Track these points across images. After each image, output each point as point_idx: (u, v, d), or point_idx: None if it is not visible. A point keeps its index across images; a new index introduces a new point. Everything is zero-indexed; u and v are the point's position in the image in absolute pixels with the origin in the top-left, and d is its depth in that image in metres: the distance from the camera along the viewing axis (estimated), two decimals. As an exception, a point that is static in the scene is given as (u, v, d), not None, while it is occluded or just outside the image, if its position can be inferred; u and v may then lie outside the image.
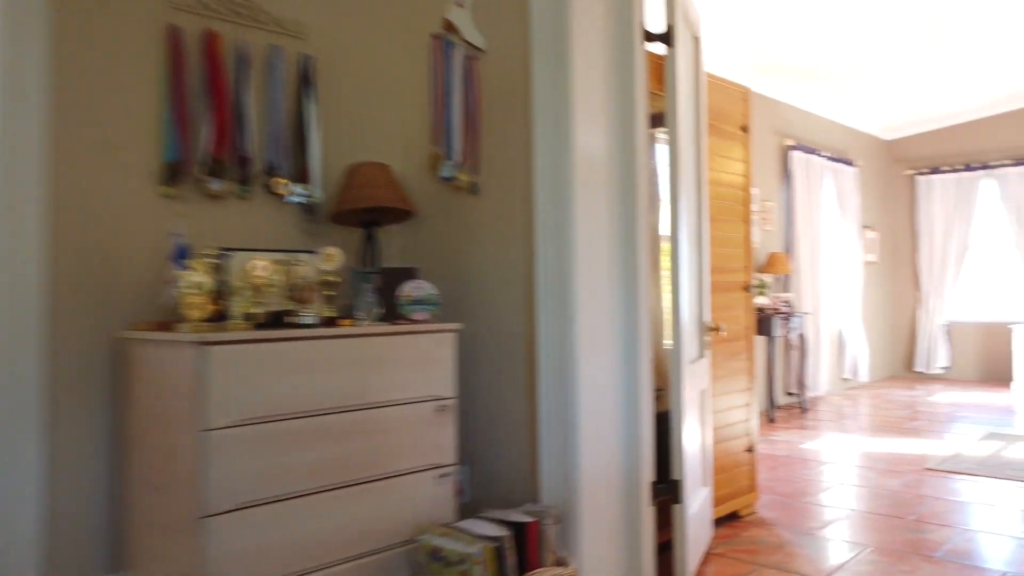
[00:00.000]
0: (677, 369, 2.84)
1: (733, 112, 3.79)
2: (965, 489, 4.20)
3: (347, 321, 2.52)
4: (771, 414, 6.44)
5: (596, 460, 2.66)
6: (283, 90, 2.95)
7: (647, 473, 2.81)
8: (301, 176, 2.96)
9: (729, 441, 3.69)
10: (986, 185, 8.75)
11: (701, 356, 3.23)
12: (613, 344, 2.76)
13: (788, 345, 7.32)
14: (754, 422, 3.91)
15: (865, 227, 8.81)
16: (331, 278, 2.61)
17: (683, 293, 2.91)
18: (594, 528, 2.64)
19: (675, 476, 2.85)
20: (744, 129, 3.86)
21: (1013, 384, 8.08)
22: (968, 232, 8.74)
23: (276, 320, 2.48)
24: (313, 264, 2.61)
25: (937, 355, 8.93)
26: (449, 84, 3.03)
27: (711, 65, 6.02)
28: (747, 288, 3.91)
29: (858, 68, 6.99)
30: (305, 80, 3.02)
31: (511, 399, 2.84)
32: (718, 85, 3.70)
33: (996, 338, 8.69)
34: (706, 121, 3.45)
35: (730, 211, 3.79)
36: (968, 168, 8.72)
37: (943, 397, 7.62)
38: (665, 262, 3.20)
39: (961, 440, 5.51)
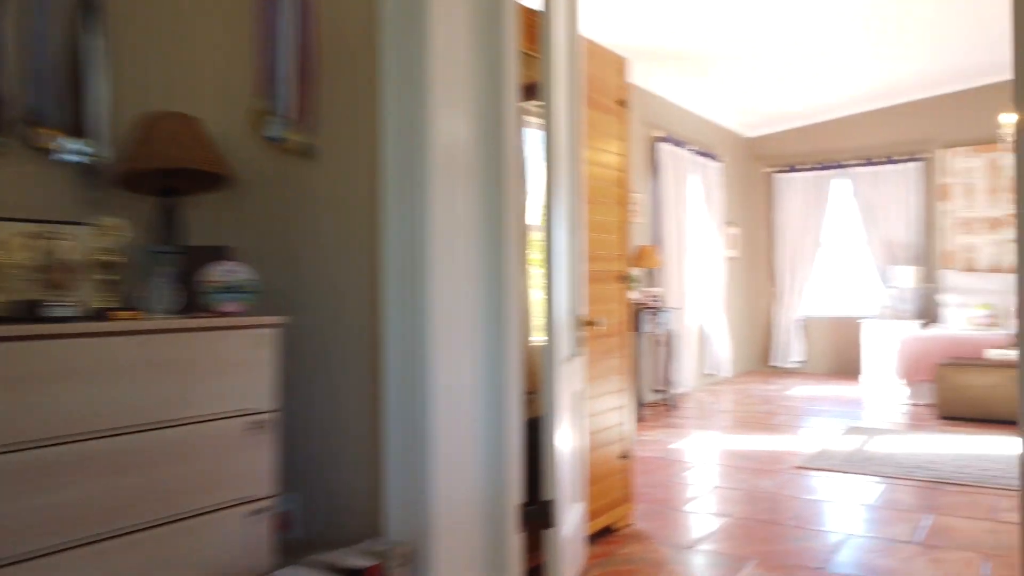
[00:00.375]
0: (550, 369, 2.41)
1: (610, 83, 3.42)
2: (838, 487, 4.07)
3: (129, 313, 1.91)
4: (640, 413, 6.22)
5: (454, 482, 2.19)
6: (51, 16, 2.27)
7: (515, 495, 2.37)
8: (76, 128, 2.30)
9: (603, 448, 3.32)
10: (839, 184, 9.03)
11: (576, 354, 2.83)
12: (475, 341, 2.29)
13: (656, 341, 7.17)
14: (629, 426, 3.57)
15: (728, 223, 8.86)
16: (109, 257, 2.00)
17: (557, 284, 2.49)
18: (452, 565, 2.17)
19: (547, 496, 2.43)
20: (622, 103, 3.50)
21: (861, 377, 8.35)
22: (821, 230, 8.98)
23: (27, 311, 1.84)
24: (84, 239, 1.99)
25: (792, 349, 9.13)
26: (277, 22, 2.46)
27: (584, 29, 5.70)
28: (623, 279, 3.57)
29: (724, 62, 6.92)
30: (87, 5, 2.35)
31: (350, 410, 2.32)
32: (595, 51, 3.32)
33: (846, 333, 8.98)
34: (582, 91, 3.05)
35: (606, 193, 3.42)
36: (822, 167, 8.96)
37: (800, 391, 7.73)
38: (536, 249, 2.78)
39: (824, 435, 5.47)
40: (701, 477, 4.37)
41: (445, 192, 2.18)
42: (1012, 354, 5.83)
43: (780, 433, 5.61)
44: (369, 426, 2.27)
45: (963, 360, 6.04)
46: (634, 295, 6.34)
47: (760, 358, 9.49)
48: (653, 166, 7.29)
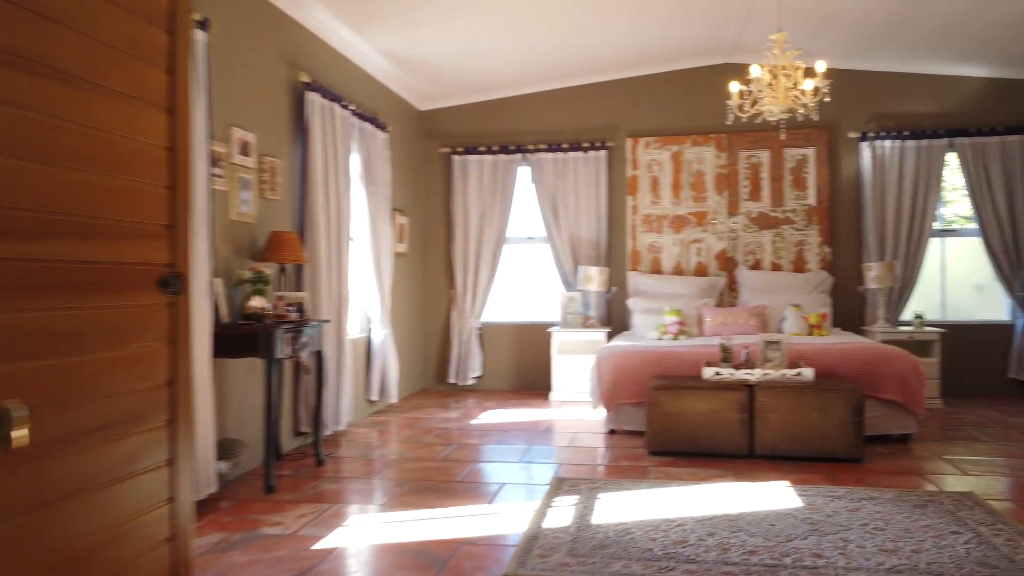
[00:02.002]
0: None
1: None
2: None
3: None
4: (270, 480, 4.19)
5: None
6: None
7: None
8: None
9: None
10: (524, 171, 7.86)
11: None
12: None
13: (300, 367, 5.18)
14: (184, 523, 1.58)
15: (396, 210, 7.18)
16: None
17: None
18: None
19: None
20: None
21: (552, 395, 7.21)
22: (505, 222, 7.72)
23: None
24: None
25: (471, 363, 7.75)
26: None
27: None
28: (168, 284, 1.56)
29: (396, 9, 5.20)
30: None
31: None
32: None
33: (534, 343, 7.84)
34: None
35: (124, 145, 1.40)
36: (505, 150, 7.70)
37: (485, 418, 6.30)
38: None
39: (528, 501, 3.98)
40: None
41: None
42: (735, 374, 4.91)
43: (468, 501, 3.99)
44: None
45: (678, 382, 4.99)
46: (260, 303, 4.28)
47: (437, 375, 7.97)
48: (300, 123, 5.29)
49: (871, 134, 7.19)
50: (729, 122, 5.23)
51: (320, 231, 5.28)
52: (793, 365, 5.10)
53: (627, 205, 7.61)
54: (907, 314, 7.21)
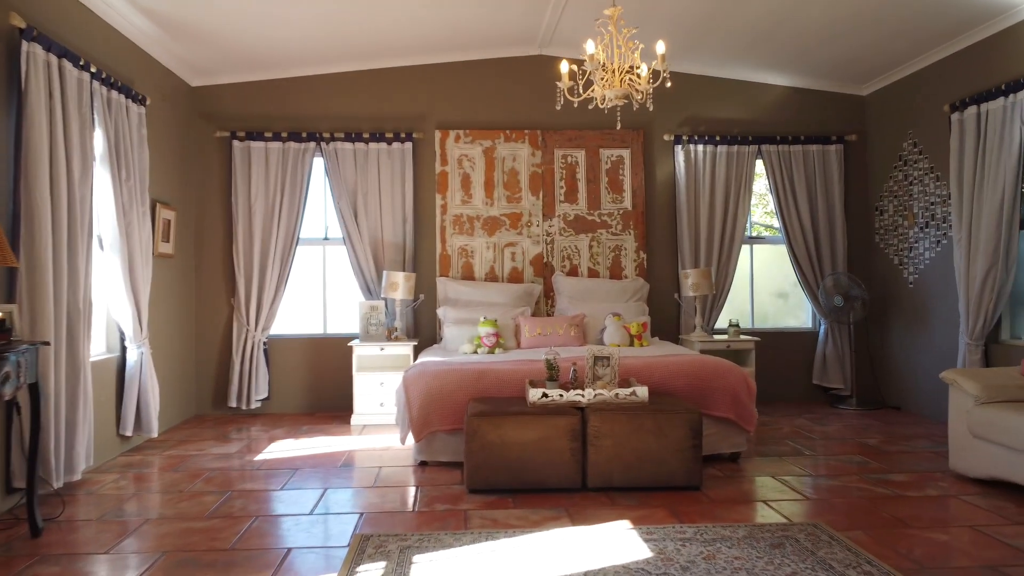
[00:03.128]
0: None
1: None
2: None
3: None
4: (-53, 571, 2.98)
5: None
6: None
7: None
8: None
9: None
10: (319, 163, 6.89)
11: None
12: None
13: (12, 406, 3.91)
14: None
15: (159, 203, 5.94)
16: None
17: None
18: None
19: None
20: None
21: (353, 417, 6.29)
22: (297, 220, 6.69)
23: None
24: None
25: (257, 383, 6.64)
26: None
27: None
28: None
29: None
30: None
31: None
32: None
33: (330, 357, 6.87)
34: None
35: None
36: (296, 137, 6.69)
37: (273, 450, 5.28)
38: None
39: (326, 568, 3.11)
40: None
41: None
42: (564, 395, 4.32)
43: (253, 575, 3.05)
44: None
45: (500, 406, 4.32)
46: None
47: (214, 398, 6.76)
48: (13, 81, 4.02)
49: (685, 137, 7.02)
50: (559, 107, 4.65)
51: (44, 225, 4.03)
52: (623, 383, 4.62)
53: (436, 204, 6.88)
54: (721, 322, 7.11)
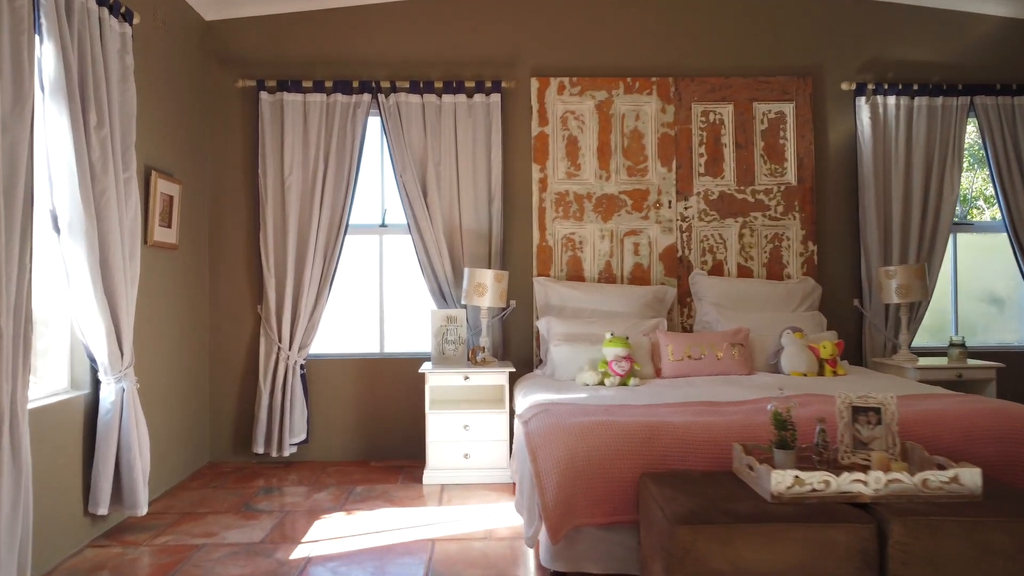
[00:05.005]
0: None
1: None
2: None
3: None
4: None
5: None
6: None
7: None
8: None
9: None
10: (376, 123, 5.14)
11: None
12: None
13: None
14: None
15: (156, 171, 4.21)
16: None
17: None
18: None
19: None
20: None
21: (427, 473, 4.49)
22: (346, 199, 4.94)
23: None
24: None
25: (292, 421, 4.89)
26: None
27: None
28: None
29: None
30: None
31: None
32: None
33: (392, 386, 5.10)
34: None
35: None
36: (344, 88, 4.94)
37: (312, 540, 3.51)
38: None
39: None
40: None
41: None
42: (829, 481, 2.46)
43: None
44: None
45: (715, 502, 2.48)
46: None
47: (235, 442, 5.02)
48: None
49: (870, 86, 5.14)
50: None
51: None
52: (910, 454, 2.76)
53: (532, 178, 5.08)
54: (920, 339, 5.22)
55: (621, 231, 5.09)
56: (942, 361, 4.79)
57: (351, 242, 5.15)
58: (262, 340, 4.90)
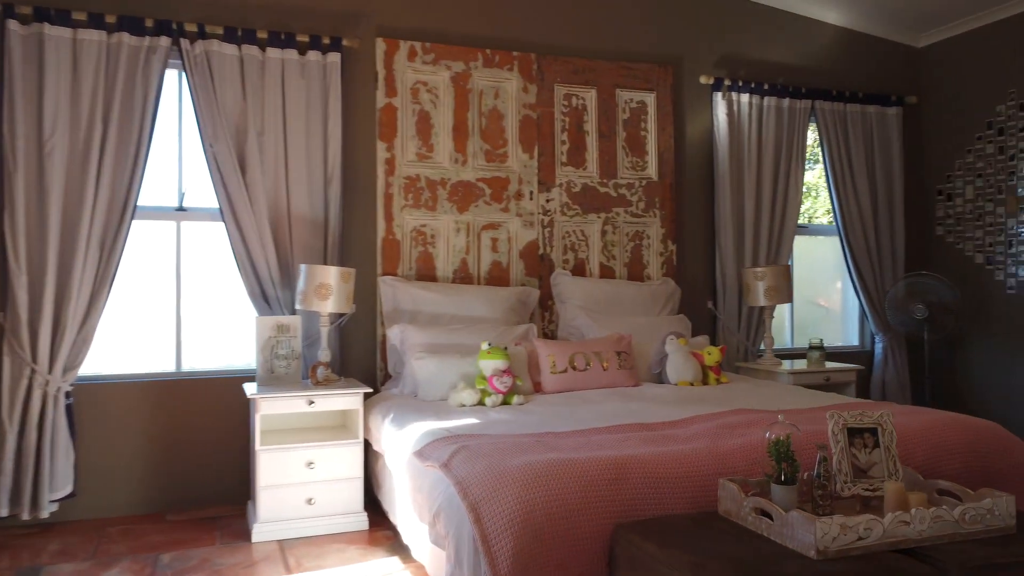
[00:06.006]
0: None
1: None
2: None
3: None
4: None
5: None
6: None
7: None
8: None
9: None
10: (174, 77, 4.00)
11: None
12: None
13: None
14: None
15: None
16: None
17: None
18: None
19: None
20: None
21: (256, 526, 3.47)
22: (134, 173, 3.76)
23: None
24: None
25: (54, 468, 3.60)
26: None
27: None
28: None
29: None
30: None
31: None
32: None
33: (192, 412, 3.97)
34: None
35: None
36: (134, 26, 3.75)
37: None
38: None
39: None
40: None
41: None
42: (868, 528, 1.95)
43: None
44: None
45: (733, 557, 1.92)
46: None
47: (-42, 499, 3.60)
48: None
49: (727, 82, 4.98)
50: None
51: None
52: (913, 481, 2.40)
53: (378, 157, 4.25)
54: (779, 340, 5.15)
55: (479, 224, 4.43)
56: (802, 364, 4.73)
57: (139, 229, 3.96)
58: (5, 361, 3.56)
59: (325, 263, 4.06)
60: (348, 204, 4.18)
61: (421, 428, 2.98)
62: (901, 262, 5.39)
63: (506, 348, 3.71)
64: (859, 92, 5.31)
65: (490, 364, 3.58)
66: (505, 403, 3.54)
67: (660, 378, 4.08)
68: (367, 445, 3.75)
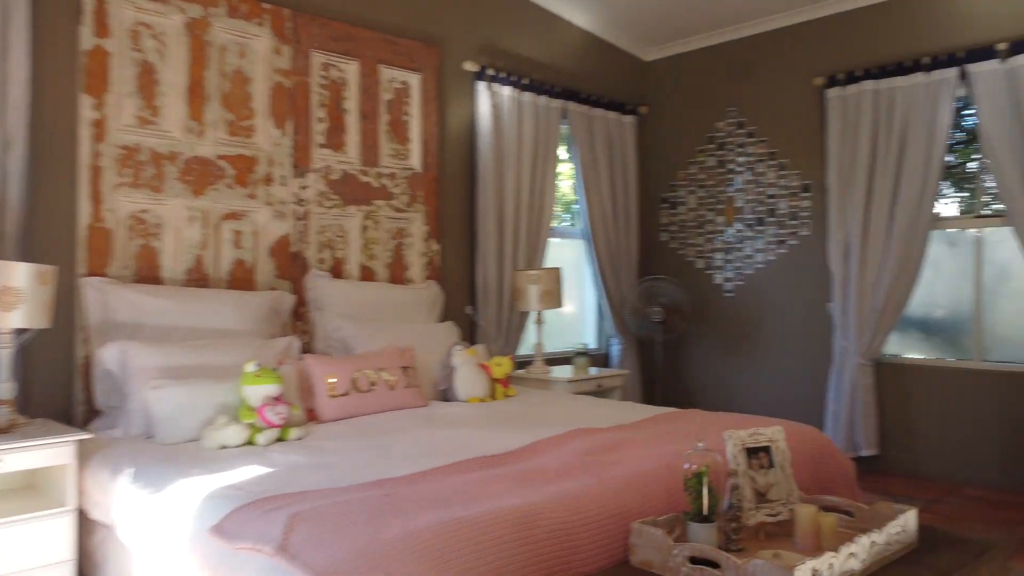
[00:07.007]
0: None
1: None
2: None
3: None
4: None
5: None
6: None
7: None
8: None
9: None
10: None
11: None
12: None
13: None
14: None
15: None
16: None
17: None
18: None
19: None
20: None
21: None
22: None
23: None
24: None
25: None
26: None
27: None
28: None
29: None
30: None
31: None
32: None
33: None
34: None
35: None
36: None
37: None
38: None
39: None
40: None
41: None
42: (832, 565, 1.75)
43: None
44: None
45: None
46: None
47: None
48: None
49: (490, 71, 4.66)
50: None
51: None
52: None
53: (80, 116, 3.15)
54: (528, 348, 4.94)
55: (219, 212, 3.55)
56: (567, 371, 4.59)
57: None
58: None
59: (4, 257, 2.89)
60: (36, 177, 3.04)
61: (199, 488, 2.17)
62: (635, 266, 5.59)
63: (276, 369, 2.96)
64: (604, 97, 5.37)
65: (259, 391, 2.82)
66: (280, 439, 2.80)
67: (446, 395, 3.62)
68: (84, 515, 2.72)
